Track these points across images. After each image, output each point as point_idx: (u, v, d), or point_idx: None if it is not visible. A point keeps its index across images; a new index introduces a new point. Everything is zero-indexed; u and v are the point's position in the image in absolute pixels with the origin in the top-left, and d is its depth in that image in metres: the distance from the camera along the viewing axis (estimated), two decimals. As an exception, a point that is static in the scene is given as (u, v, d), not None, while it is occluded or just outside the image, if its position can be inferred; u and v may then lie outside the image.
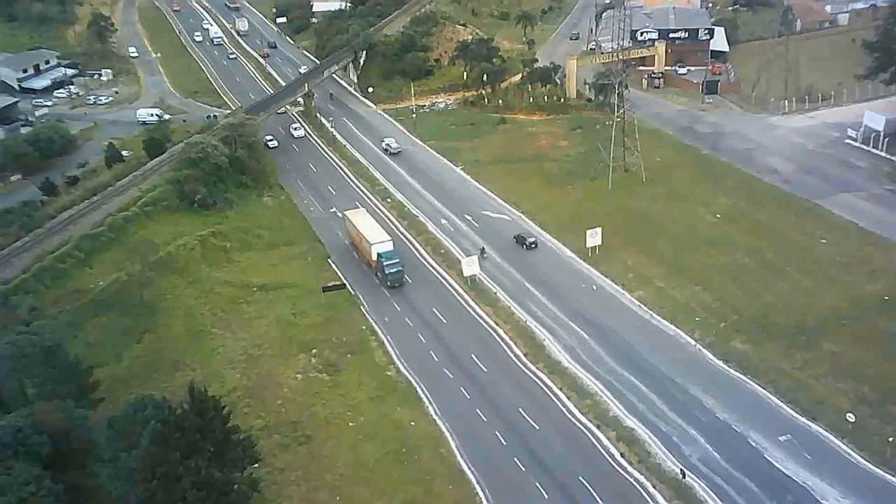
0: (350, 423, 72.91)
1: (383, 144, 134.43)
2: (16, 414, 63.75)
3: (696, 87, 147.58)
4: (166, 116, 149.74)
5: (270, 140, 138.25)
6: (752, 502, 59.64)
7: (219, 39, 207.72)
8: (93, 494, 61.82)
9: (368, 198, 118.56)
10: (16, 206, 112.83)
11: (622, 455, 65.59)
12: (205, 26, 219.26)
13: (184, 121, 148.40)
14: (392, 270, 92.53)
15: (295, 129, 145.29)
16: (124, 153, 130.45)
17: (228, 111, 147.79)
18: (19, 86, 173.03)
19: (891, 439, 63.05)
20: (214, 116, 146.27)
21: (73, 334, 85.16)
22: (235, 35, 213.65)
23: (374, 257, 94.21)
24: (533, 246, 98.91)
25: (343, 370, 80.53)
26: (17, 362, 71.29)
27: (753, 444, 64.81)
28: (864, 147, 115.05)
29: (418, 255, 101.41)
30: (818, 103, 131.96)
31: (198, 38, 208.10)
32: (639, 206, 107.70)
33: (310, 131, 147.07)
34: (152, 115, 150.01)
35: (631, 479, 63.15)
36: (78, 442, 64.33)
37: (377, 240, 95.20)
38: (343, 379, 79.26)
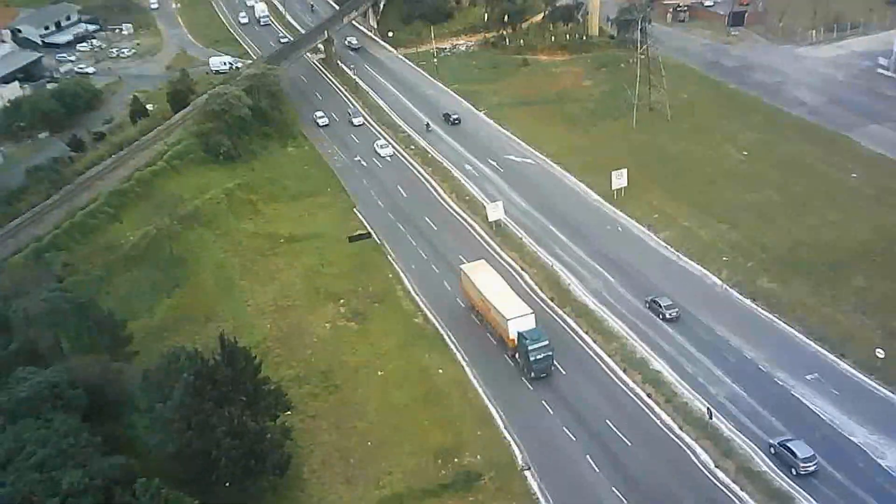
0: (379, 372, 74.02)
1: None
2: (53, 369, 65.45)
3: (721, 20, 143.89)
4: (238, 63, 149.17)
5: (321, 117, 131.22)
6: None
7: (266, 19, 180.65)
8: (130, 444, 63.71)
9: (392, 144, 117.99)
10: (45, 162, 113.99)
11: (649, 396, 65.98)
12: (249, 3, 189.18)
13: (207, 73, 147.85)
14: (538, 357, 68.15)
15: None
16: (148, 107, 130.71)
17: (250, 61, 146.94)
18: (42, 41, 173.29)
19: (920, 375, 62.73)
20: (236, 66, 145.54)
21: (106, 289, 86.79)
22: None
23: (512, 335, 71.29)
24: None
25: (371, 319, 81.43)
26: (52, 318, 72.75)
27: (780, 382, 64.82)
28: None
29: (441, 201, 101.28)
30: (847, 31, 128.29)
31: (243, 21, 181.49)
32: (664, 145, 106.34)
33: (331, 78, 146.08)
34: (225, 63, 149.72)
35: (658, 421, 63.60)
36: (114, 394, 66.17)
37: (515, 313, 70.56)
38: (371, 327, 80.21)
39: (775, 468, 57.39)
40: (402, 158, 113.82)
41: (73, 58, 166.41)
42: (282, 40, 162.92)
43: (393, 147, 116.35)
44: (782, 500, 55.23)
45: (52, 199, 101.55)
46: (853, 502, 54.30)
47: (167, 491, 54.53)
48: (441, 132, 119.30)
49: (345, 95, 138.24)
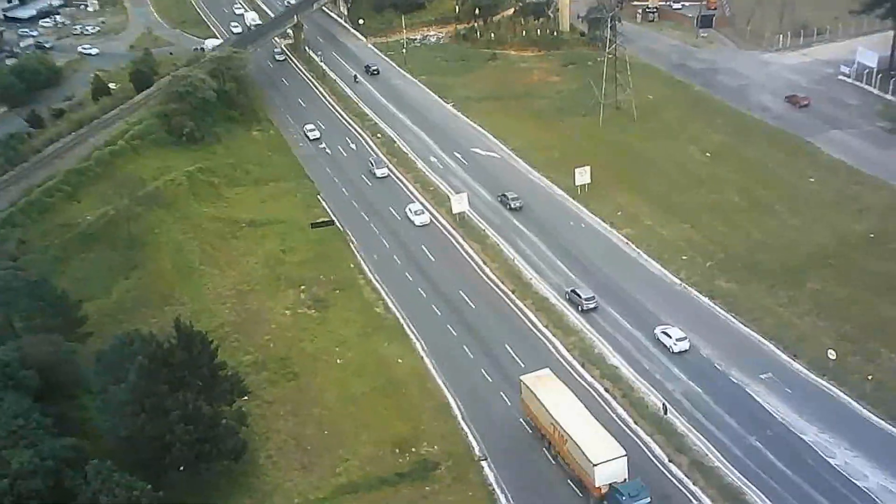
0: (338, 360, 73.66)
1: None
2: (3, 348, 64.36)
3: (690, 22, 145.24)
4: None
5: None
6: (731, 437, 60.69)
7: (281, 57, 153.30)
8: (82, 427, 62.73)
9: (358, 133, 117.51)
10: (2, 138, 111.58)
11: (606, 391, 66.46)
12: (238, 11, 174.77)
13: (170, 53, 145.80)
14: None
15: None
16: (111, 86, 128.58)
17: (218, 42, 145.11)
18: (4, 15, 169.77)
19: (870, 377, 63.93)
20: (202, 49, 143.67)
21: (61, 269, 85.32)
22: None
23: (599, 483, 55.13)
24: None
25: (331, 306, 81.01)
26: (4, 296, 71.46)
27: (735, 380, 65.69)
28: (857, 83, 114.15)
29: (407, 192, 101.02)
30: (813, 38, 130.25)
31: (235, 30, 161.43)
32: (629, 144, 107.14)
33: (298, 64, 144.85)
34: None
35: (614, 415, 64.07)
36: (66, 375, 65.19)
37: (603, 456, 54.97)
38: (331, 315, 79.77)
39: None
40: (369, 148, 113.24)
41: (34, 33, 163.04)
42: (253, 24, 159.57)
43: (359, 138, 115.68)
44: (734, 496, 55.99)
45: (8, 176, 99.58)
46: (805, 501, 55.16)
47: (119, 474, 53.87)
48: (409, 122, 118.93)
49: (312, 84, 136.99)
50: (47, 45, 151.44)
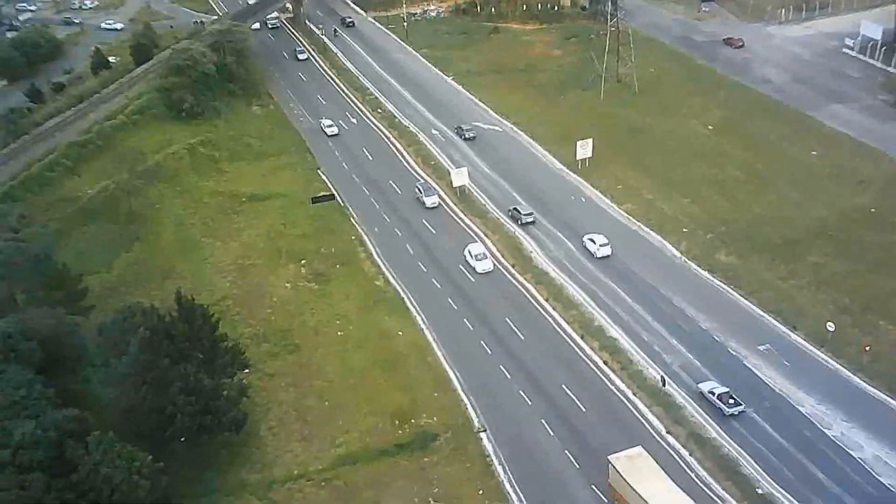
0: (339, 332, 73.94)
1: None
2: (6, 320, 64.29)
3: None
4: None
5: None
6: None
7: (274, 22, 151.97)
8: (85, 399, 63.07)
9: (359, 108, 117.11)
10: (1, 112, 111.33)
11: (605, 363, 66.78)
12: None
13: (171, 27, 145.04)
14: None
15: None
16: (111, 59, 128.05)
17: (215, 17, 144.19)
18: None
19: (868, 348, 64.14)
20: (201, 22, 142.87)
21: (62, 242, 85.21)
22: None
23: None
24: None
25: (332, 280, 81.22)
26: (6, 269, 71.37)
27: (733, 352, 65.99)
28: (861, 57, 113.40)
29: (408, 167, 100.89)
30: (816, 11, 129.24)
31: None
32: (630, 118, 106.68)
33: (301, 39, 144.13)
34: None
35: (612, 387, 64.46)
36: (69, 348, 65.40)
37: None
38: (332, 289, 80.00)
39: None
40: (369, 122, 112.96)
41: (33, 7, 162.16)
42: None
43: (359, 112, 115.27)
44: (731, 466, 56.42)
45: (9, 150, 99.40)
46: (800, 471, 55.64)
47: (120, 445, 54.29)
48: (410, 97, 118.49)
49: (313, 58, 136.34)
50: (76, 21, 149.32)
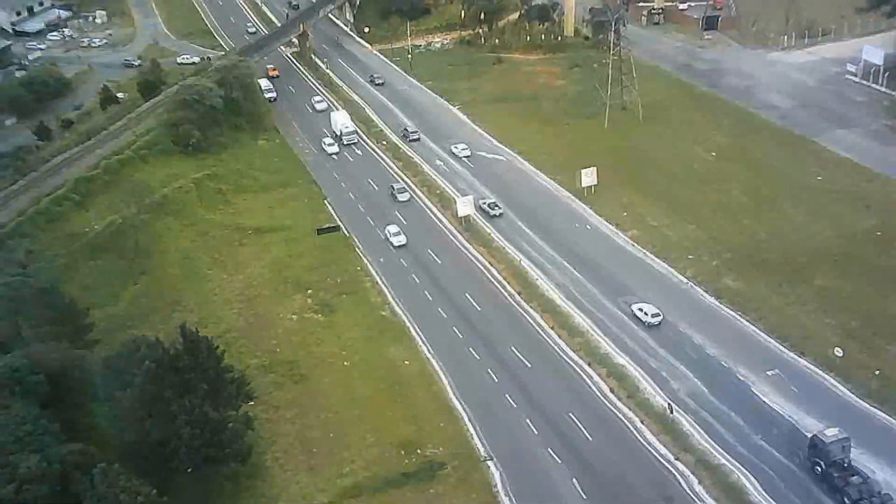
0: (344, 363, 73.79)
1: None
2: (12, 354, 64.43)
3: (695, 23, 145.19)
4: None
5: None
6: (738, 436, 60.48)
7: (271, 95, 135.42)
8: (90, 432, 63.01)
9: (363, 139, 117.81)
10: (10, 149, 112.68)
11: (611, 391, 66.35)
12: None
13: (178, 63, 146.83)
14: None
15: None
16: (119, 95, 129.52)
17: (222, 53, 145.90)
18: (13, 29, 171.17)
19: (877, 372, 63.62)
20: (208, 58, 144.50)
21: (69, 277, 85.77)
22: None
23: None
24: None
25: (337, 310, 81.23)
26: (13, 304, 71.96)
27: (741, 378, 65.47)
28: (864, 82, 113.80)
29: (414, 195, 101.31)
30: (818, 38, 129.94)
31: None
32: (635, 145, 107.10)
33: (305, 73, 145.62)
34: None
35: (619, 415, 63.99)
36: (74, 381, 65.30)
37: None
38: (337, 319, 80.00)
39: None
40: (373, 153, 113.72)
41: (42, 46, 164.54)
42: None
43: (364, 144, 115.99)
44: (739, 494, 55.76)
45: (18, 185, 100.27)
46: (808, 498, 54.96)
47: (125, 478, 54.01)
48: (413, 126, 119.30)
49: (319, 90, 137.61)
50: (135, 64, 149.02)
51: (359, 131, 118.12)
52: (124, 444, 60.12)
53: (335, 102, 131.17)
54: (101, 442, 61.73)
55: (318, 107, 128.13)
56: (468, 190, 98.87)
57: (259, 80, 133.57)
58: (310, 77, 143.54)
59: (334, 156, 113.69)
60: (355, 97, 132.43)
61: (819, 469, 55.94)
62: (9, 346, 68.44)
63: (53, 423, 59.68)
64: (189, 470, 58.63)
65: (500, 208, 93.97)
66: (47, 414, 60.60)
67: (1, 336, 70.44)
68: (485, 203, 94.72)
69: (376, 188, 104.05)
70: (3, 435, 56.88)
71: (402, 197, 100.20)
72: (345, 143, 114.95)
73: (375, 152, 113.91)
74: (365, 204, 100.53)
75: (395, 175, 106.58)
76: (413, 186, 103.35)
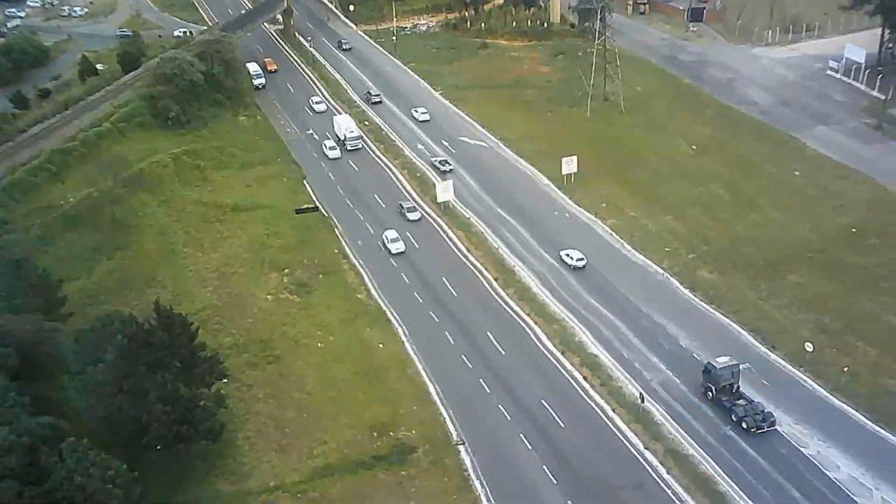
0: (319, 344, 73.67)
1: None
2: (-18, 326, 63.81)
3: (681, 14, 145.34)
4: None
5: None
6: (707, 427, 61.16)
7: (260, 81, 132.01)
8: (61, 406, 62.54)
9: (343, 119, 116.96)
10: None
11: (585, 379, 66.75)
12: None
13: (159, 35, 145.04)
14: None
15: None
16: (98, 67, 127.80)
17: (204, 27, 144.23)
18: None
19: (846, 369, 64.45)
20: (190, 32, 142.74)
21: (43, 249, 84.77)
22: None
23: None
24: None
25: (314, 291, 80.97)
26: (-16, 274, 71.05)
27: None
28: (845, 79, 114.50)
29: (394, 179, 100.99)
30: (802, 34, 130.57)
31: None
32: (616, 136, 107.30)
33: (288, 51, 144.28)
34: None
35: (592, 403, 64.43)
36: (45, 354, 64.92)
37: None
38: (314, 300, 79.75)
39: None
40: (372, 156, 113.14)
41: (22, 14, 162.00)
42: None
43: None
44: (708, 486, 56.41)
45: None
46: (775, 489, 55.75)
47: (94, 453, 53.71)
48: (396, 109, 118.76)
49: (301, 69, 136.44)
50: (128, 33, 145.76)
51: (364, 137, 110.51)
52: (95, 418, 59.66)
53: (318, 82, 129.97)
54: (71, 416, 61.35)
55: (318, 108, 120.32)
56: (448, 175, 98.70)
57: (248, 64, 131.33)
58: (300, 64, 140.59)
59: (308, 132, 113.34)
60: (338, 77, 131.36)
61: (710, 394, 62.50)
62: (-22, 317, 67.71)
63: (23, 395, 59.25)
64: (159, 447, 58.37)
65: (450, 165, 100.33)
66: (16, 386, 60.16)
67: (-30, 307, 69.64)
68: (436, 160, 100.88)
69: (356, 169, 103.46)
70: (-29, 407, 56.40)
71: (411, 212, 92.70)
72: (348, 147, 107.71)
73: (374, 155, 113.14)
74: (344, 186, 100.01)
75: (377, 157, 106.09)
76: (394, 170, 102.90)
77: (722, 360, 62.15)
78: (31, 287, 72.48)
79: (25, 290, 71.98)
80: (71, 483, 52.26)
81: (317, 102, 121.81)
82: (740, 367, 63.03)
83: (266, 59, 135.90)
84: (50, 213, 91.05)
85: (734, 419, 60.41)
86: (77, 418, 61.14)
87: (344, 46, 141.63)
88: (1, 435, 53.85)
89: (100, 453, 54.11)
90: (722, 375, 61.61)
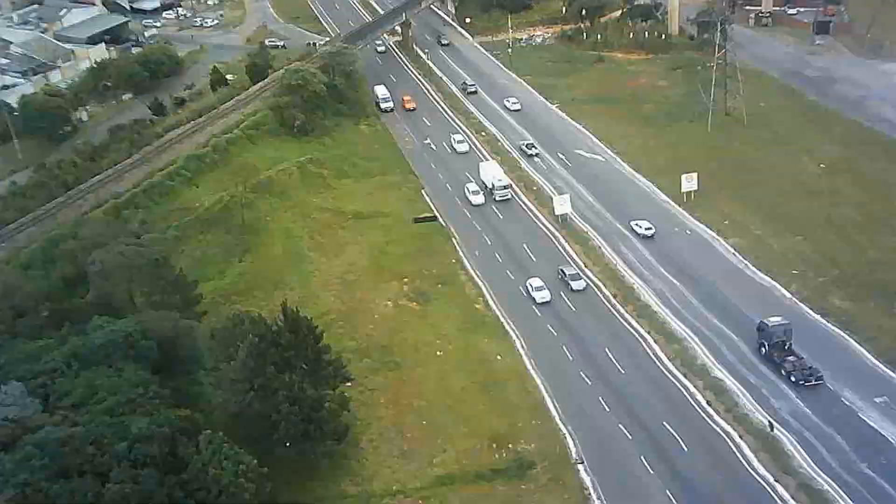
0: (438, 352, 74.78)
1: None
2: (126, 320, 67.51)
3: (806, 27, 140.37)
4: None
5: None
6: (842, 462, 58.70)
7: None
8: (195, 400, 65.51)
9: (463, 130, 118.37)
10: (127, 123, 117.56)
11: (708, 403, 65.36)
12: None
13: (284, 47, 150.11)
14: None
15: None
16: (228, 77, 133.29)
17: (327, 38, 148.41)
18: (130, 6, 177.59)
19: None
20: (313, 44, 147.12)
21: (179, 249, 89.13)
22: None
23: None
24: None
25: (433, 300, 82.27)
26: (128, 272, 75.04)
27: (847, 403, 63.47)
28: None
29: (513, 192, 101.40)
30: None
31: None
32: (738, 152, 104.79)
33: (406, 62, 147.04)
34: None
35: (717, 428, 63.01)
36: (183, 350, 68.01)
37: None
38: (432, 309, 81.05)
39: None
40: (472, 144, 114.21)
41: (157, 24, 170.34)
42: None
43: (465, 137, 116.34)
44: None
45: (133, 159, 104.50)
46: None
47: (228, 447, 56.04)
48: (513, 122, 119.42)
49: (419, 81, 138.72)
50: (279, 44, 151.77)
51: (513, 186, 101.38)
52: (227, 414, 62.28)
53: (436, 95, 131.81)
54: (205, 410, 64.14)
55: (460, 148, 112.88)
56: (565, 188, 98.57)
57: (377, 87, 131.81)
58: (412, 68, 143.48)
59: (426, 142, 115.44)
60: (454, 89, 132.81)
61: (763, 349, 68.11)
62: (122, 312, 71.64)
63: (163, 388, 62.42)
64: (287, 444, 60.38)
65: (536, 149, 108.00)
66: (157, 379, 63.43)
67: (115, 302, 73.73)
68: (524, 144, 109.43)
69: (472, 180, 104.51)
70: (117, 396, 59.75)
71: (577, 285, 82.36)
72: (497, 198, 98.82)
73: (475, 144, 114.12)
74: (461, 196, 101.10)
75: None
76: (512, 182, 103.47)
77: (774, 320, 68.20)
78: (169, 285, 76.28)
79: (164, 289, 75.86)
80: (206, 474, 54.77)
81: (459, 142, 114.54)
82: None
83: (405, 98, 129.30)
84: (185, 216, 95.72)
85: (783, 373, 65.65)
86: (211, 413, 63.91)
87: (442, 41, 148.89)
88: (143, 424, 56.93)
89: (233, 447, 56.46)
90: (774, 332, 67.14)
